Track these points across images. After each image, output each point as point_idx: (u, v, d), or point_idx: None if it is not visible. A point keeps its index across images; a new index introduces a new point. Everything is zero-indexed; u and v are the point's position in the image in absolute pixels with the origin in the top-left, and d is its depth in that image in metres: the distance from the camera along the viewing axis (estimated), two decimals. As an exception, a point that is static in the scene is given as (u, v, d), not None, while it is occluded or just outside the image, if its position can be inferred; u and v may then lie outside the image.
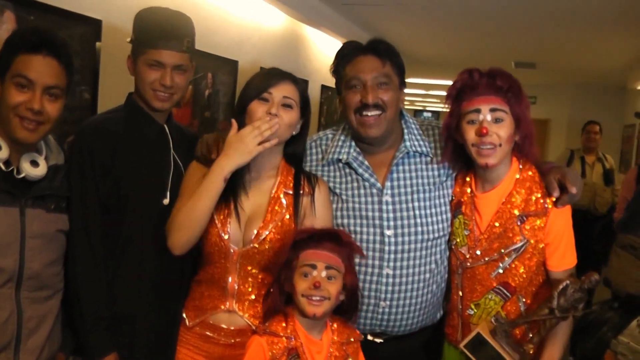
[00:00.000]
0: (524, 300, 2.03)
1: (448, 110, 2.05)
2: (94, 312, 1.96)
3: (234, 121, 1.92)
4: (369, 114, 2.06)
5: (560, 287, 1.90)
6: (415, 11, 5.75)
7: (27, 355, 1.79)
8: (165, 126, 2.13)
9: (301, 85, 2.01)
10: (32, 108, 1.71)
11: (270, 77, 1.94)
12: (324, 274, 1.79)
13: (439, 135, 2.20)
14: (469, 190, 2.09)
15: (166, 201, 2.04)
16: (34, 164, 1.79)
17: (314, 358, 1.80)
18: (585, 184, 5.59)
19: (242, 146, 1.84)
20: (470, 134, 1.96)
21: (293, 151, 2.05)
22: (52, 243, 1.85)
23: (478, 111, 1.94)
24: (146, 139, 2.08)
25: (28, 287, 1.78)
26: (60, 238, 1.89)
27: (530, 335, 1.96)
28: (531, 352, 1.93)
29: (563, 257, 2.01)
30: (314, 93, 5.78)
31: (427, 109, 20.47)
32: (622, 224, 3.60)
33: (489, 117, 1.93)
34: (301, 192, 2.00)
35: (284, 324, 1.81)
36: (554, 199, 1.97)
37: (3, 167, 1.73)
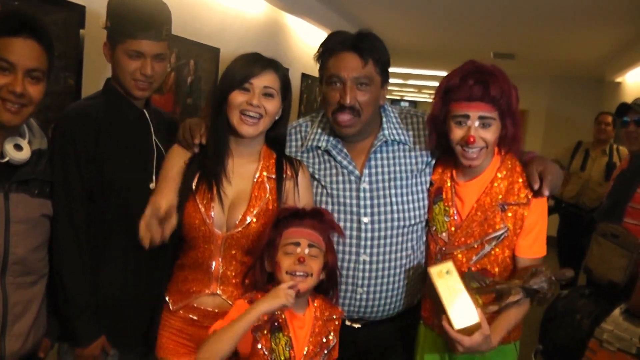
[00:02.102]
0: None
1: (434, 101, 2.05)
2: (79, 299, 1.97)
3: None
4: (345, 117, 2.06)
5: (533, 270, 1.96)
6: (394, 2, 5.77)
7: (14, 340, 1.79)
8: (145, 111, 2.14)
9: (282, 71, 2.01)
10: (14, 91, 1.70)
11: (251, 65, 1.93)
12: (307, 251, 1.83)
13: (417, 124, 2.22)
14: (449, 177, 2.10)
15: (152, 185, 2.04)
16: (18, 147, 1.78)
17: (295, 332, 1.83)
18: (579, 177, 5.57)
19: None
20: (457, 135, 1.97)
21: (275, 135, 2.07)
22: (36, 228, 1.85)
23: (467, 117, 1.94)
24: (127, 124, 2.08)
25: (13, 273, 1.77)
26: (45, 223, 1.89)
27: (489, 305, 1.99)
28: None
29: (533, 244, 2.04)
30: (294, 81, 5.78)
31: (405, 98, 20.55)
32: (603, 212, 3.64)
33: (477, 124, 1.94)
34: (284, 176, 2.01)
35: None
36: (534, 191, 2.00)
37: None
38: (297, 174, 2.04)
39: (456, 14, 6.08)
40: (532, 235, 2.03)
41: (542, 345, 3.57)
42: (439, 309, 1.87)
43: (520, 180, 2.04)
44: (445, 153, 2.13)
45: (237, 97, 1.91)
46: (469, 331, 1.82)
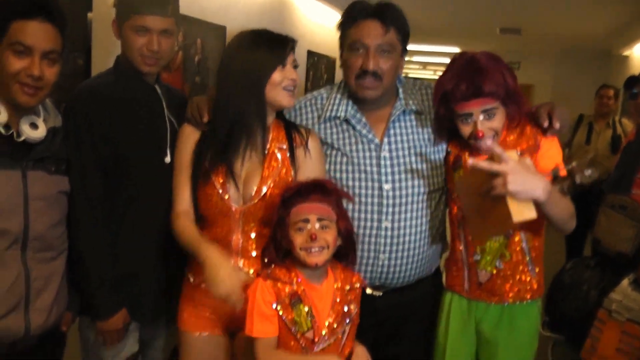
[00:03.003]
0: (527, 246, 2.10)
1: (435, 105, 2.08)
2: (98, 273, 2.01)
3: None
4: (367, 81, 2.11)
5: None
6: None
7: (37, 314, 1.82)
8: (156, 86, 2.16)
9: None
10: (32, 74, 1.72)
11: (282, 45, 1.96)
12: (317, 225, 1.84)
13: (431, 95, 2.22)
14: (467, 148, 2.13)
15: (167, 159, 2.08)
16: (33, 126, 1.81)
17: (315, 304, 1.86)
18: (585, 151, 5.52)
19: (219, 287, 1.81)
20: (465, 131, 2.02)
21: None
22: (54, 204, 1.88)
23: (470, 114, 1.98)
24: (139, 100, 2.10)
25: (33, 248, 1.80)
26: (62, 199, 1.92)
27: None
28: None
29: (549, 160, 2.04)
30: (300, 59, 5.71)
31: (409, 75, 20.47)
32: (611, 183, 3.65)
33: (481, 117, 1.97)
34: (294, 144, 2.05)
35: (285, 272, 1.88)
36: (544, 129, 2.04)
37: (3, 131, 1.74)
38: (307, 140, 2.07)
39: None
40: (546, 158, 2.04)
41: (549, 317, 3.61)
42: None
43: (529, 125, 2.08)
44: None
45: (278, 76, 1.94)
46: (511, 156, 1.80)
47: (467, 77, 1.95)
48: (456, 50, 10.67)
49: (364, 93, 2.14)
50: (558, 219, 1.98)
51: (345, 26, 2.17)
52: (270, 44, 1.97)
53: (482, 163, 1.82)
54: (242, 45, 1.98)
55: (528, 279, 2.12)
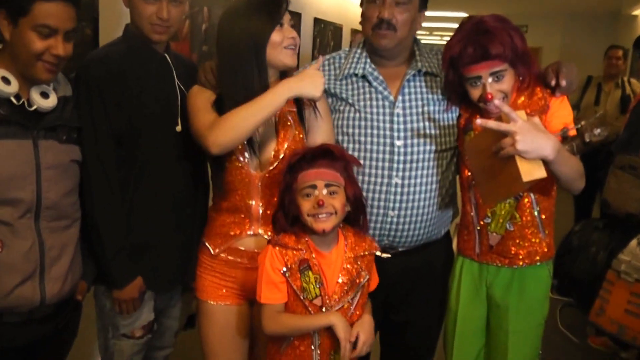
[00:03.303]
0: (537, 208, 2.10)
1: (444, 70, 2.09)
2: (114, 242, 2.03)
3: (322, 57, 2.04)
4: (383, 27, 2.13)
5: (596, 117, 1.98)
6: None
7: (52, 283, 1.85)
8: (166, 55, 2.16)
9: None
10: (58, 54, 1.75)
11: (277, 5, 1.96)
12: (324, 191, 1.84)
13: None
14: (478, 111, 2.12)
15: (179, 128, 2.08)
16: (44, 95, 1.81)
17: (324, 271, 1.87)
18: (595, 112, 5.46)
19: (316, 84, 1.89)
20: (475, 95, 2.02)
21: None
22: (67, 173, 1.89)
23: (479, 77, 1.98)
24: (149, 69, 2.10)
25: (47, 217, 1.82)
26: (74, 168, 1.93)
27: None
28: None
29: (559, 117, 2.06)
30: (307, 26, 5.72)
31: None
32: (621, 144, 3.62)
33: (490, 80, 1.97)
34: (303, 106, 2.05)
35: (294, 239, 1.88)
36: (552, 88, 2.05)
37: (15, 101, 1.75)
38: (315, 102, 2.05)
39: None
40: (558, 120, 2.05)
41: (557, 280, 3.63)
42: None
43: (539, 86, 2.08)
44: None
45: (277, 36, 1.94)
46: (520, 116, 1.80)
47: (474, 40, 1.95)
48: (463, 15, 10.57)
49: (379, 42, 2.17)
50: (567, 178, 1.98)
51: None
52: (265, 6, 1.96)
53: (491, 123, 1.81)
54: (237, 12, 1.97)
55: (538, 240, 2.13)
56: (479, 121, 1.84)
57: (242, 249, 2.05)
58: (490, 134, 1.84)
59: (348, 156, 1.95)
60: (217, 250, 2.07)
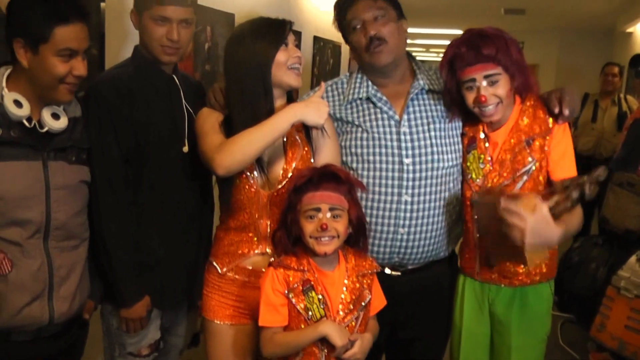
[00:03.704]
0: None
1: (444, 76, 2.14)
2: (122, 261, 2.04)
3: (323, 84, 2.08)
4: (375, 44, 2.18)
5: (566, 183, 2.00)
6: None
7: (61, 302, 1.86)
8: (174, 76, 2.19)
9: None
10: (80, 75, 1.79)
11: (281, 26, 2.01)
12: (328, 214, 1.84)
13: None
14: (481, 129, 2.19)
15: (185, 149, 2.11)
16: (55, 116, 1.84)
17: (327, 291, 1.87)
18: (592, 129, 5.56)
19: (320, 112, 1.93)
20: (470, 98, 2.07)
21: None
22: (75, 194, 1.91)
23: (473, 80, 2.04)
24: (158, 89, 2.13)
25: (55, 237, 1.84)
26: (83, 189, 1.94)
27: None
28: None
29: (564, 165, 2.12)
30: (307, 44, 5.75)
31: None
32: (618, 161, 3.67)
33: (484, 83, 2.03)
34: (311, 126, 2.06)
35: (295, 259, 1.89)
36: (555, 115, 2.10)
37: (27, 124, 1.77)
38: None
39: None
40: (560, 157, 2.12)
41: (558, 296, 3.64)
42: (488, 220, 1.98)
43: (541, 112, 2.13)
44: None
45: (282, 56, 1.98)
46: (528, 207, 1.86)
47: (468, 42, 2.02)
48: (460, 32, 10.62)
49: (378, 59, 2.21)
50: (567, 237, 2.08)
51: (341, 16, 2.27)
52: (269, 27, 2.01)
53: (505, 213, 1.86)
54: (243, 35, 2.01)
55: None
56: (507, 204, 1.88)
57: (250, 267, 2.07)
58: (498, 193, 1.93)
59: (353, 180, 1.96)
60: (224, 269, 2.09)
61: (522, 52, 2.08)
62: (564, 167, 2.13)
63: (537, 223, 1.84)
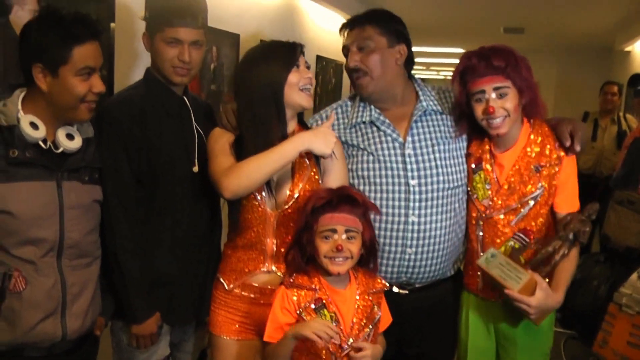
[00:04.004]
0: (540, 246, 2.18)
1: (455, 90, 2.21)
2: (134, 278, 2.07)
3: (333, 114, 2.15)
4: (356, 76, 2.27)
5: (564, 220, 2.13)
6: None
7: (73, 319, 1.89)
8: (185, 97, 2.23)
9: None
10: (100, 91, 1.85)
11: (294, 50, 2.06)
12: (344, 236, 1.89)
13: (450, 97, 2.36)
14: (487, 150, 2.24)
15: (195, 169, 2.15)
16: (70, 137, 1.87)
17: (339, 308, 1.91)
18: (592, 147, 5.58)
19: (327, 142, 1.98)
20: (479, 111, 2.13)
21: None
22: (88, 213, 1.94)
23: (483, 92, 2.10)
24: (169, 110, 2.17)
25: (69, 256, 1.87)
26: (96, 208, 1.98)
27: (542, 267, 2.14)
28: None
29: (568, 198, 2.19)
30: (310, 63, 5.79)
31: (415, 75, 20.36)
32: (618, 180, 3.70)
33: (493, 95, 2.09)
34: None
35: (307, 278, 1.93)
36: (566, 148, 2.16)
37: (42, 145, 1.81)
38: None
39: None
40: (567, 190, 2.20)
41: (560, 313, 3.65)
42: (499, 288, 2.05)
43: (551, 142, 2.18)
44: (476, 129, 2.25)
45: (294, 77, 2.03)
46: (529, 289, 1.99)
47: (480, 54, 2.09)
48: (460, 50, 10.70)
49: (360, 91, 2.30)
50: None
51: (342, 39, 2.35)
52: (281, 50, 2.06)
53: (516, 297, 1.99)
54: (255, 58, 2.07)
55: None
56: (506, 292, 2.01)
57: (256, 285, 2.11)
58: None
59: (368, 203, 2.01)
60: (231, 286, 2.13)
61: (532, 72, 2.14)
62: (569, 200, 2.20)
63: (540, 302, 1.99)
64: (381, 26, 2.26)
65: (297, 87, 2.03)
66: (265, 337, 1.91)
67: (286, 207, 2.05)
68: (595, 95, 6.06)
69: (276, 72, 2.02)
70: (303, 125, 2.18)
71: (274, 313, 1.91)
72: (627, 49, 8.15)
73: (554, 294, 2.06)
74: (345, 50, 2.31)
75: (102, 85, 1.85)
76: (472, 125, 2.23)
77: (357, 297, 1.95)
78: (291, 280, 1.93)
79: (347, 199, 1.92)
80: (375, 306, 1.98)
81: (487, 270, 2.07)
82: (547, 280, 2.11)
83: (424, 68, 17.36)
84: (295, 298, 1.90)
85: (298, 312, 1.89)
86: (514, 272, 2.02)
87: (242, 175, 1.93)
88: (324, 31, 6.16)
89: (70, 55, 1.77)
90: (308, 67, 2.10)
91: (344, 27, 2.34)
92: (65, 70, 1.78)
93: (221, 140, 2.07)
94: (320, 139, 1.97)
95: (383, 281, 2.05)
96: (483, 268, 2.09)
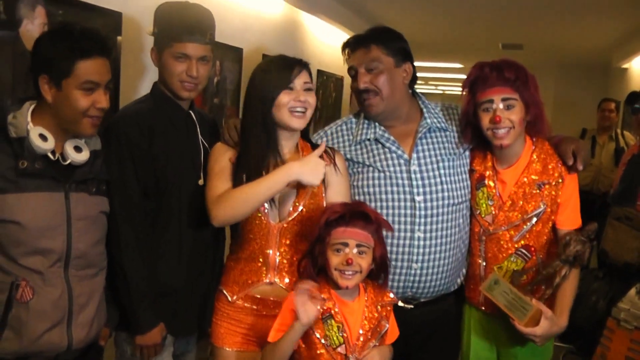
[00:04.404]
0: (542, 262, 2.22)
1: (464, 98, 2.25)
2: (140, 289, 2.09)
3: (324, 142, 2.11)
4: (365, 97, 2.27)
5: (564, 240, 2.16)
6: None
7: (79, 329, 1.90)
8: (191, 112, 2.26)
9: (309, 67, 2.14)
10: (103, 107, 1.85)
11: (290, 68, 2.05)
12: (355, 250, 1.91)
13: (454, 114, 2.40)
14: (490, 166, 2.28)
15: (201, 182, 2.17)
16: (77, 149, 1.90)
17: (347, 319, 1.94)
18: (590, 164, 5.54)
19: (315, 172, 1.97)
20: (486, 120, 2.16)
21: (305, 128, 2.17)
22: (95, 224, 1.96)
23: (491, 101, 2.14)
24: (175, 124, 2.20)
25: (75, 266, 1.89)
26: (103, 219, 2.00)
27: (543, 287, 2.19)
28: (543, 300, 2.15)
29: (570, 216, 2.23)
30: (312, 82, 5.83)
31: (417, 91, 20.41)
32: (616, 196, 3.73)
33: (501, 106, 2.13)
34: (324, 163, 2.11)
35: (318, 287, 1.94)
36: (568, 167, 2.20)
37: (51, 157, 1.83)
38: (334, 158, 2.16)
39: (465, 9, 6.14)
40: (568, 207, 2.23)
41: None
42: (504, 314, 2.09)
43: (553, 160, 2.22)
44: (482, 143, 2.29)
45: (284, 98, 2.03)
46: (534, 319, 2.04)
47: (492, 65, 2.15)
48: (458, 66, 10.76)
49: (369, 111, 2.31)
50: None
51: (344, 57, 2.36)
52: (279, 67, 2.06)
53: (523, 330, 2.05)
54: (258, 71, 2.10)
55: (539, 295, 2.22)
56: (518, 326, 2.06)
57: (258, 296, 2.12)
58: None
59: (381, 220, 2.02)
60: (234, 297, 2.14)
61: (539, 92, 2.19)
62: (571, 217, 2.24)
63: (545, 330, 2.04)
64: (387, 46, 2.28)
65: (286, 108, 2.03)
66: (269, 337, 1.92)
67: (289, 219, 2.07)
68: (593, 112, 6.11)
69: (267, 91, 2.03)
70: (308, 141, 2.20)
71: (283, 316, 1.92)
72: (624, 66, 8.22)
73: (558, 320, 2.11)
74: (352, 71, 2.31)
75: (106, 102, 1.87)
76: (476, 139, 2.27)
77: (365, 309, 1.97)
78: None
79: (360, 214, 1.95)
80: (384, 319, 2.01)
81: (491, 298, 2.11)
82: (547, 294, 2.15)
83: (423, 82, 17.44)
84: None
85: None
86: (519, 302, 2.06)
87: (228, 207, 1.97)
88: (325, 46, 6.23)
89: (74, 68, 1.80)
90: (308, 89, 2.08)
91: (347, 46, 2.34)
92: (68, 83, 1.81)
93: (222, 159, 2.09)
94: (308, 169, 1.97)
95: (392, 295, 2.07)
96: (487, 296, 2.12)
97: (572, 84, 10.48)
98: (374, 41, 2.28)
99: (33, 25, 2.35)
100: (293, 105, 2.03)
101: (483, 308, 2.30)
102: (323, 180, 2.10)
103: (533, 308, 2.03)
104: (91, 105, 1.84)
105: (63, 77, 1.80)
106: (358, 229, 1.92)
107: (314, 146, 2.18)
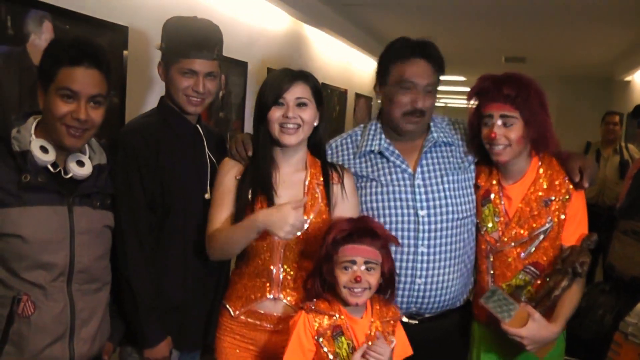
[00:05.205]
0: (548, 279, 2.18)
1: (471, 109, 2.24)
2: (147, 302, 2.08)
3: (305, 198, 2.05)
4: (414, 119, 2.24)
5: (563, 255, 2.14)
6: (410, 11, 5.86)
7: (81, 344, 1.89)
8: (198, 126, 2.26)
9: (312, 79, 2.11)
10: (78, 118, 1.80)
11: (280, 82, 2.04)
12: (363, 267, 1.90)
13: (460, 129, 2.38)
14: (496, 182, 2.26)
15: (207, 196, 2.16)
16: (80, 163, 1.89)
17: (356, 335, 1.92)
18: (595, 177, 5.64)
19: (282, 224, 1.89)
20: (484, 133, 2.16)
21: (314, 142, 2.17)
22: (99, 238, 1.95)
23: (491, 116, 2.13)
24: (182, 139, 2.19)
25: (78, 281, 1.87)
26: (107, 233, 1.99)
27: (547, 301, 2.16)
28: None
29: (576, 232, 2.20)
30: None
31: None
32: (623, 210, 3.70)
33: (499, 122, 2.11)
34: (331, 181, 2.13)
35: (327, 304, 1.94)
36: (575, 184, 2.18)
37: (52, 169, 1.83)
38: (343, 177, 2.15)
39: (468, 22, 6.18)
40: (574, 224, 2.21)
41: (566, 342, 3.65)
42: (496, 322, 2.09)
43: (560, 176, 2.20)
44: (486, 157, 2.28)
45: (274, 113, 2.02)
46: (521, 321, 2.02)
47: (495, 78, 2.13)
48: (460, 78, 10.79)
49: (408, 127, 2.27)
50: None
51: (391, 61, 2.28)
52: (273, 81, 2.06)
53: (509, 330, 2.05)
54: (262, 85, 2.10)
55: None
56: (503, 326, 2.05)
57: (262, 312, 2.11)
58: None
59: (388, 235, 2.02)
60: (237, 312, 2.13)
61: (546, 108, 2.15)
62: (576, 234, 2.22)
63: (531, 332, 2.02)
64: (441, 72, 2.28)
65: (276, 124, 2.03)
66: (285, 358, 1.91)
67: (294, 236, 2.04)
68: (596, 125, 6.10)
69: (261, 105, 2.05)
70: (315, 154, 2.18)
71: (299, 337, 1.91)
72: (627, 78, 8.25)
73: (549, 325, 2.08)
74: (408, 83, 2.21)
75: (84, 114, 1.80)
76: (482, 151, 2.25)
77: (374, 327, 1.96)
78: (312, 306, 1.94)
79: (367, 231, 1.94)
80: (390, 334, 1.99)
81: (484, 305, 2.11)
82: (546, 305, 2.14)
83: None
84: (316, 324, 1.91)
85: (316, 338, 1.90)
86: (507, 305, 2.06)
87: (219, 248, 2.06)
88: (330, 59, 6.27)
89: (57, 73, 1.78)
90: (301, 104, 2.05)
91: (412, 51, 2.25)
92: (52, 88, 1.80)
93: (227, 179, 2.11)
94: (275, 219, 1.89)
95: (398, 310, 2.06)
96: (485, 307, 2.12)
97: (574, 97, 10.51)
98: (438, 64, 2.28)
99: (40, 40, 2.36)
100: (282, 122, 2.02)
101: (490, 325, 2.27)
102: (329, 199, 2.10)
103: (518, 308, 2.03)
104: (68, 114, 1.80)
105: (49, 83, 1.80)
106: (365, 246, 1.91)
107: (325, 163, 2.17)
